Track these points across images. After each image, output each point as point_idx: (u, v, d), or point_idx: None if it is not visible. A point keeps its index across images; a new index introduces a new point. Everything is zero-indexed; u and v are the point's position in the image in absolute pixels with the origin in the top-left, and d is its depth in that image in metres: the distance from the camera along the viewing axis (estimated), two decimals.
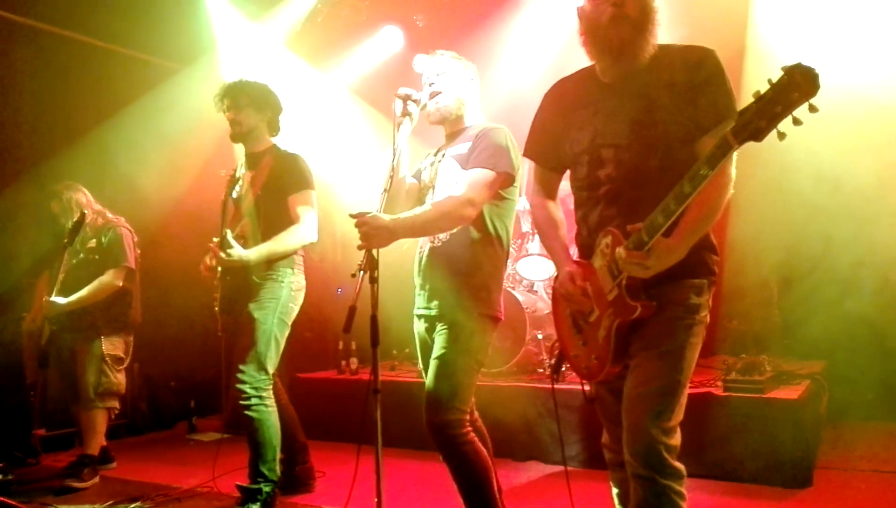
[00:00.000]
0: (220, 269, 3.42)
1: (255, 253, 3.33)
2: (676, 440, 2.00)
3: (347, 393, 5.07)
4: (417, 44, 5.99)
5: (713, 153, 1.72)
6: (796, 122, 1.58)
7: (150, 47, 5.81)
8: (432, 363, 2.65)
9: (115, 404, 4.31)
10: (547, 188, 2.34)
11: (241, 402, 3.35)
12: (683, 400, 2.03)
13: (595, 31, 2.03)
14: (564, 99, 2.22)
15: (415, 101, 2.70)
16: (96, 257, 4.24)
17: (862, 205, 4.71)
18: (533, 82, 5.53)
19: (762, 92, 1.60)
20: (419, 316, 2.82)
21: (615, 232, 1.98)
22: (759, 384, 3.81)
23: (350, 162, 5.85)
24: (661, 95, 2.02)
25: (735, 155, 1.94)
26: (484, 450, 2.65)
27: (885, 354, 4.83)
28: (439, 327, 2.68)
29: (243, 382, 3.35)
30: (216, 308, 3.51)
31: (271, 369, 3.43)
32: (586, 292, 2.10)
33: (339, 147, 5.98)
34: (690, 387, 4.13)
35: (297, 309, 3.56)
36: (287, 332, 3.52)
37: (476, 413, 2.90)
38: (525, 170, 2.95)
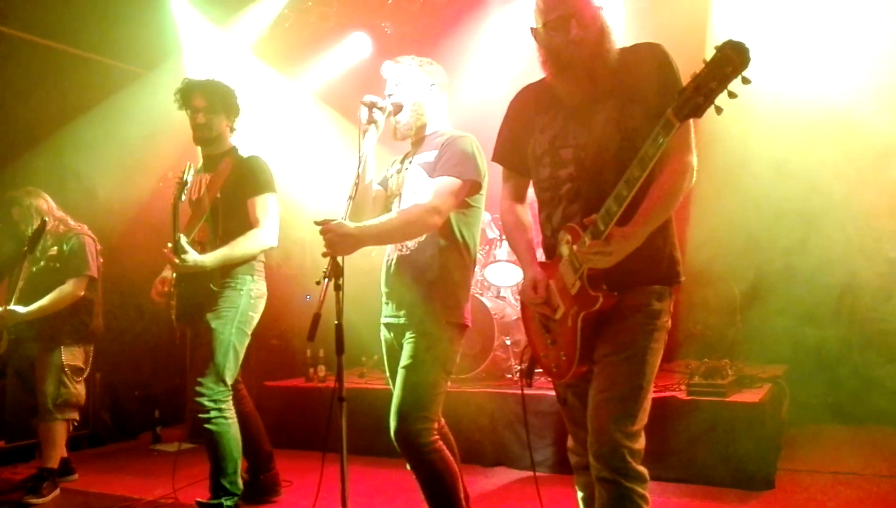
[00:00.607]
0: (174, 276, 3.34)
1: (210, 258, 3.25)
2: (640, 443, 2.03)
3: (315, 401, 5.04)
4: (386, 50, 5.99)
5: (658, 133, 1.78)
6: (731, 95, 1.66)
7: (112, 51, 5.72)
8: (400, 373, 2.64)
9: (75, 415, 4.21)
10: (515, 192, 2.37)
11: (200, 416, 3.27)
12: (647, 405, 2.06)
13: (557, 65, 2.10)
14: (528, 105, 2.27)
15: (380, 108, 2.70)
16: (57, 265, 4.15)
17: (822, 213, 4.83)
18: (500, 89, 5.54)
19: (698, 71, 1.68)
20: (386, 325, 2.81)
21: (574, 227, 2.03)
22: (722, 388, 3.87)
23: (317, 169, 5.83)
24: (619, 97, 2.05)
25: (693, 143, 2.01)
26: (451, 458, 2.65)
27: (844, 357, 4.95)
28: (407, 335, 2.67)
29: (201, 395, 3.27)
30: (173, 316, 3.42)
31: (230, 380, 3.36)
32: (548, 300, 2.13)
33: (306, 154, 5.95)
34: (654, 391, 4.18)
35: (257, 317, 3.49)
36: (247, 341, 3.44)
37: (443, 420, 2.90)
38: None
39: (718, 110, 1.69)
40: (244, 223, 3.36)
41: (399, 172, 2.87)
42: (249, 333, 3.45)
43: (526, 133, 2.24)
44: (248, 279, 3.41)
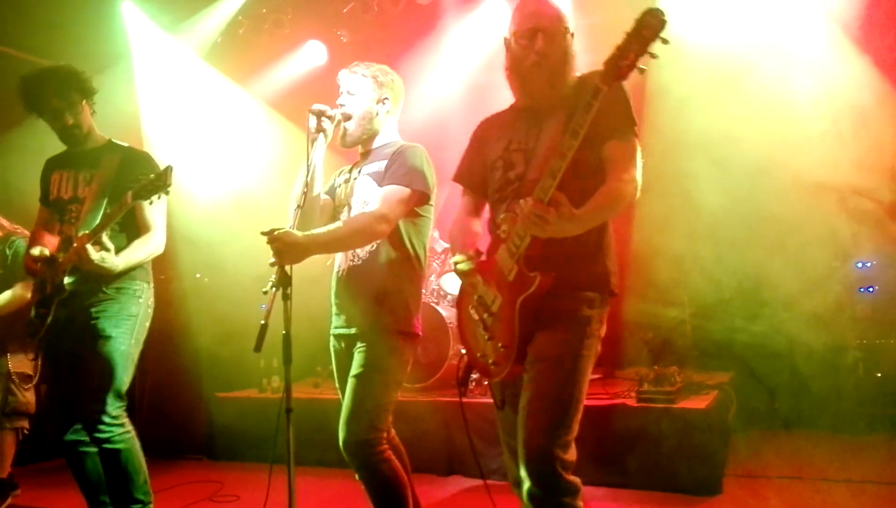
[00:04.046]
0: (69, 281, 2.97)
1: (122, 262, 2.96)
2: (571, 454, 2.02)
3: (267, 412, 4.97)
4: (341, 59, 5.95)
5: (588, 100, 1.92)
6: (652, 55, 1.84)
7: (60, 55, 5.57)
8: (350, 382, 2.62)
9: (25, 423, 4.09)
10: (471, 208, 2.47)
11: (99, 436, 2.95)
12: (578, 415, 2.05)
13: (519, 72, 2.23)
14: (486, 127, 2.45)
15: (329, 117, 2.69)
16: (0, 270, 4.04)
17: (771, 222, 4.95)
18: (454, 100, 5.62)
19: (621, 40, 1.85)
20: (337, 335, 2.78)
21: (511, 215, 2.10)
22: (670, 395, 3.95)
23: (269, 177, 5.77)
24: (570, 112, 2.08)
25: (639, 161, 2.10)
26: (400, 467, 2.64)
27: (791, 364, 5.07)
28: (358, 345, 2.65)
29: (101, 412, 2.93)
30: (37, 321, 3.02)
31: (124, 390, 3.07)
32: (482, 293, 2.19)
33: (257, 162, 5.89)
34: (606, 399, 4.25)
35: (148, 327, 3.22)
36: (139, 351, 3.16)
37: (393, 431, 2.88)
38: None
39: (641, 71, 1.86)
40: (133, 225, 3.09)
41: (347, 181, 2.85)
42: (142, 343, 3.19)
43: (483, 149, 2.39)
44: (145, 287, 3.17)
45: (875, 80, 4.50)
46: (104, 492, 3.13)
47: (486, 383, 4.83)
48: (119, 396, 3.02)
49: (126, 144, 3.25)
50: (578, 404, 2.04)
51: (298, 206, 2.53)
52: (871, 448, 4.45)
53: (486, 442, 4.31)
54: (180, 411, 5.38)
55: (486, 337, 2.19)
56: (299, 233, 2.43)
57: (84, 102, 3.14)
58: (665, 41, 1.81)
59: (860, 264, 5.29)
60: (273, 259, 2.35)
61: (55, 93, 3.07)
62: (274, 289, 2.30)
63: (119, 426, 3.00)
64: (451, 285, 5.51)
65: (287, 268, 2.35)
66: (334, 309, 2.79)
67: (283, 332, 2.32)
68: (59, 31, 5.28)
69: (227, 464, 4.90)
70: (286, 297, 2.32)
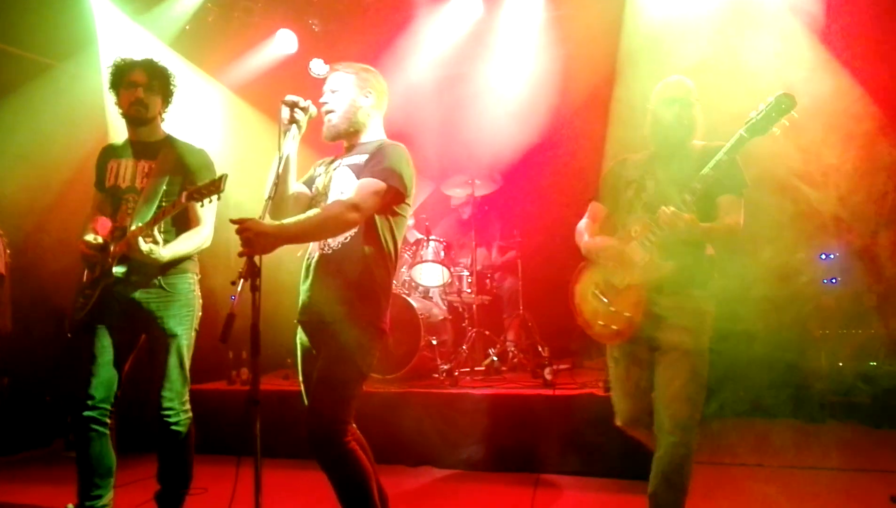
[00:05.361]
0: (118, 270, 3.12)
1: (168, 253, 3.12)
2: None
3: (236, 404, 4.94)
4: (312, 48, 5.94)
5: (731, 145, 2.64)
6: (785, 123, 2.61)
7: (22, 41, 5.46)
8: (317, 374, 2.60)
9: None
10: (596, 216, 3.02)
11: (168, 419, 3.20)
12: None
13: (659, 124, 2.87)
14: (624, 165, 3.00)
15: (302, 108, 2.66)
16: None
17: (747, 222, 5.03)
18: (427, 89, 5.60)
19: (763, 107, 2.62)
20: (303, 323, 2.74)
21: (643, 218, 2.75)
22: None
23: (238, 167, 5.71)
24: (696, 161, 2.73)
25: (742, 215, 2.72)
26: (365, 458, 2.62)
27: (754, 354, 5.17)
28: (325, 336, 2.63)
29: (172, 399, 3.20)
30: (82, 300, 3.19)
31: (189, 374, 3.31)
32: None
33: (227, 152, 5.81)
34: (574, 388, 4.28)
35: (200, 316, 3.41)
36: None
37: (353, 424, 2.85)
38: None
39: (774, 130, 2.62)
40: (184, 218, 3.24)
41: (326, 172, 2.83)
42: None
43: (620, 179, 2.95)
44: (195, 277, 3.33)
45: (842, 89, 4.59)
46: (99, 476, 3.23)
47: (456, 374, 4.87)
48: (186, 382, 3.26)
49: (184, 141, 3.38)
50: (706, 381, 2.72)
51: (269, 197, 2.50)
52: (832, 435, 4.57)
53: (458, 433, 4.35)
54: (150, 404, 5.32)
55: (610, 308, 2.80)
56: (269, 223, 2.41)
57: (160, 94, 3.33)
58: (791, 117, 2.58)
59: (824, 256, 5.40)
60: (242, 249, 2.33)
61: (142, 70, 3.27)
62: (242, 280, 2.28)
63: (185, 412, 3.25)
64: (423, 276, 5.52)
65: (256, 258, 2.33)
66: (302, 296, 2.75)
67: (252, 323, 2.31)
68: (25, 17, 5.16)
69: (195, 457, 4.86)
70: (255, 288, 2.30)
